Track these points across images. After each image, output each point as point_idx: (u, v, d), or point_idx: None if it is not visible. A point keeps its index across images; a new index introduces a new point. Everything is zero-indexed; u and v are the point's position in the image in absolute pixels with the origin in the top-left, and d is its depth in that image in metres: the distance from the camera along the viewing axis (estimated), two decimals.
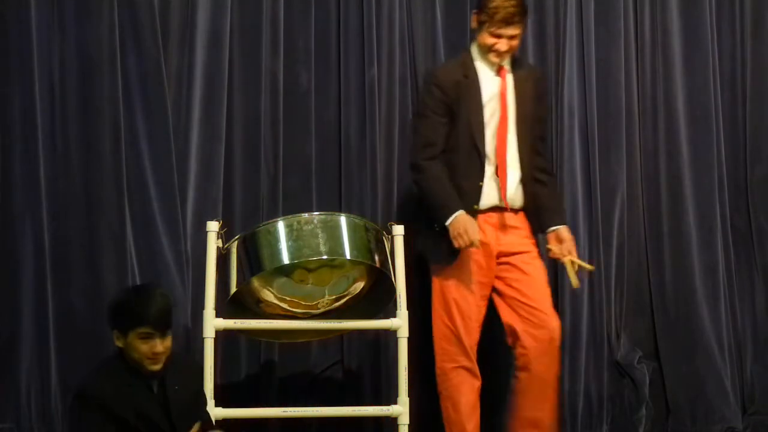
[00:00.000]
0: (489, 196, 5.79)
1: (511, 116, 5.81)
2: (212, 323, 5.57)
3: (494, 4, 5.65)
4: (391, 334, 6.06)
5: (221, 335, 5.72)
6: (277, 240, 5.59)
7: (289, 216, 5.72)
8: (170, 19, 6.46)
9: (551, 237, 5.94)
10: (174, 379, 4.65)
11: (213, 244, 5.70)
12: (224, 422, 5.46)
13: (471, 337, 5.89)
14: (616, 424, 6.78)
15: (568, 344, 6.64)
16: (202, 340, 5.54)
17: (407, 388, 5.74)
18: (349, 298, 5.78)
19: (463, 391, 5.90)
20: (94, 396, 4.52)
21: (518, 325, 5.86)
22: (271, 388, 6.35)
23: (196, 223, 6.30)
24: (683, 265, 6.90)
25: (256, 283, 5.63)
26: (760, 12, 7.18)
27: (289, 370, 6.45)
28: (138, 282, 6.22)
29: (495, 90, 5.80)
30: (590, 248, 6.77)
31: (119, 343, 4.60)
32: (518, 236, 5.89)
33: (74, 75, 6.28)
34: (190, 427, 4.69)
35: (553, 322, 5.83)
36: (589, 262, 6.26)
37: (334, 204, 6.48)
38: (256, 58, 6.52)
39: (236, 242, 5.69)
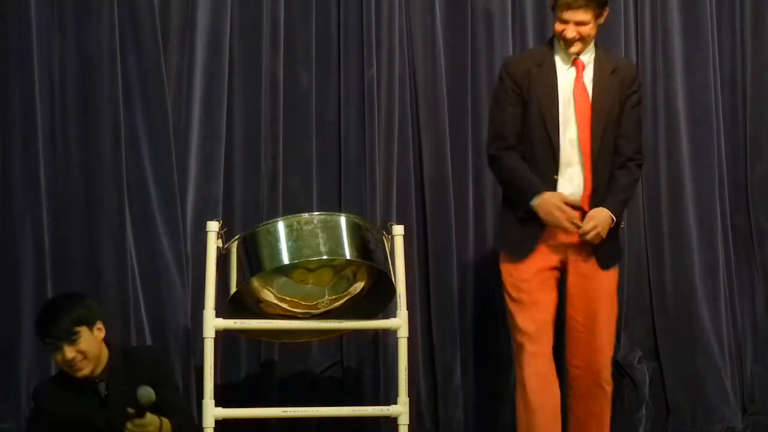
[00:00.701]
0: (564, 191, 5.43)
1: (584, 110, 5.43)
2: (212, 323, 5.57)
3: None
4: (391, 334, 6.07)
5: (221, 335, 5.72)
6: (277, 240, 5.59)
7: (289, 216, 5.71)
8: (170, 19, 6.46)
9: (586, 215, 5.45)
10: (122, 379, 4.60)
11: (213, 244, 5.70)
12: (224, 422, 5.47)
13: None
14: (616, 424, 6.78)
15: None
16: (202, 340, 5.54)
17: (407, 388, 5.74)
18: (349, 298, 5.78)
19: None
20: (36, 400, 4.56)
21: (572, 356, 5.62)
22: (271, 388, 6.35)
23: (196, 223, 6.30)
24: (683, 265, 6.90)
25: (256, 283, 5.63)
26: (760, 11, 7.18)
27: (289, 370, 6.45)
28: (138, 281, 6.22)
29: (569, 81, 5.46)
30: None
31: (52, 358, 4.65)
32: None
33: (74, 75, 6.28)
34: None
35: (603, 358, 5.56)
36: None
37: (334, 204, 6.48)
38: (256, 58, 6.52)
39: (236, 242, 5.69)
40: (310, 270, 5.61)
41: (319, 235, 5.60)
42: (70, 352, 4.51)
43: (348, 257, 5.61)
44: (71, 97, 6.28)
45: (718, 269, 6.92)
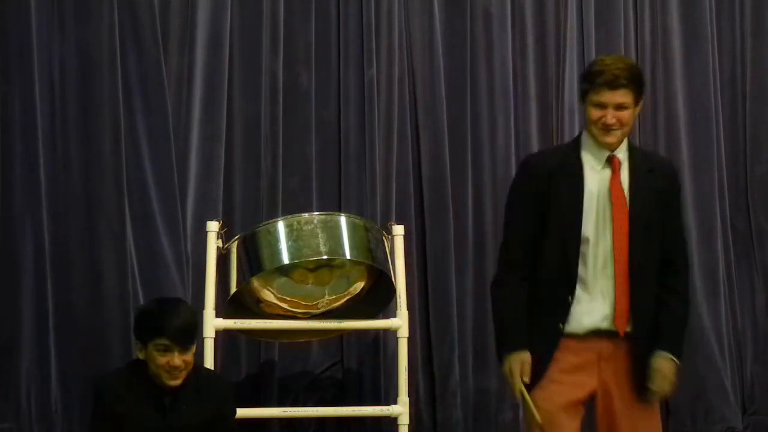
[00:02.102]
0: (587, 315, 4.41)
1: (622, 216, 4.42)
2: (212, 323, 5.57)
3: (597, 67, 4.42)
4: (391, 334, 6.07)
5: (221, 335, 5.72)
6: (277, 240, 5.59)
7: (289, 216, 5.72)
8: (170, 19, 6.46)
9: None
10: (191, 399, 4.55)
11: (213, 244, 5.70)
12: None
13: None
14: None
15: None
16: (202, 340, 5.54)
17: (407, 388, 5.74)
18: (349, 298, 5.78)
19: None
20: (103, 392, 4.49)
21: None
22: (271, 388, 6.35)
23: (196, 223, 6.30)
24: None
25: (256, 283, 5.63)
26: (760, 11, 7.19)
27: (289, 370, 6.45)
28: (138, 281, 6.22)
29: (603, 185, 4.43)
30: None
31: (140, 354, 4.50)
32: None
33: (74, 75, 6.28)
34: None
35: None
36: None
37: (333, 204, 6.48)
38: (256, 58, 6.52)
39: (236, 242, 5.69)
40: (310, 270, 5.61)
41: (319, 235, 5.60)
42: (179, 359, 4.42)
43: (348, 257, 5.61)
44: (71, 97, 6.28)
45: (718, 269, 6.92)
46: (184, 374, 4.45)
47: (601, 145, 4.39)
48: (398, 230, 5.87)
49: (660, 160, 4.75)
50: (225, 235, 5.74)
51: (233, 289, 5.65)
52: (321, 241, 5.59)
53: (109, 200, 6.24)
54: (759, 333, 7.06)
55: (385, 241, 5.78)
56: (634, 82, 4.39)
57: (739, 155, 7.12)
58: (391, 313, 5.83)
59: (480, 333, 6.62)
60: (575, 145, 4.50)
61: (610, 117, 4.38)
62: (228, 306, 5.70)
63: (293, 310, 5.72)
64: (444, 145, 6.67)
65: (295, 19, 6.62)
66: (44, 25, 6.26)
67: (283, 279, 5.62)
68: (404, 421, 5.69)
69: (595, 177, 4.44)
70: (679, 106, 7.00)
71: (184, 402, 4.49)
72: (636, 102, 4.41)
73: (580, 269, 4.38)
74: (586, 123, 4.43)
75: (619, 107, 4.38)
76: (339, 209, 6.36)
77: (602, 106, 4.38)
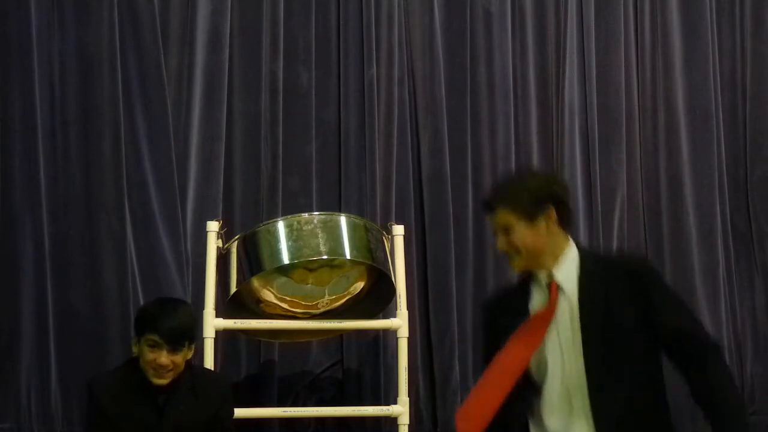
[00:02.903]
0: None
1: (565, 345, 3.73)
2: (212, 323, 5.57)
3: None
4: (391, 334, 6.07)
5: (221, 335, 5.72)
6: (277, 240, 5.59)
7: (289, 216, 5.72)
8: (170, 19, 6.46)
9: None
10: (185, 399, 4.54)
11: (213, 244, 5.70)
12: None
13: None
14: None
15: None
16: (202, 340, 5.54)
17: (407, 388, 5.74)
18: (349, 298, 5.78)
19: None
20: (97, 394, 4.50)
21: None
22: (270, 388, 6.35)
23: (196, 223, 6.30)
24: (683, 265, 6.90)
25: (256, 283, 5.63)
26: (760, 11, 7.19)
27: (289, 370, 6.45)
28: (138, 281, 6.22)
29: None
30: (590, 248, 6.76)
31: (135, 349, 4.49)
32: None
33: (74, 75, 6.29)
34: None
35: None
36: None
37: (333, 204, 6.48)
38: (256, 58, 6.52)
39: (236, 242, 5.69)
40: (310, 270, 5.61)
41: (319, 235, 5.60)
42: (166, 359, 4.42)
43: (348, 257, 5.61)
44: (71, 97, 6.28)
45: (718, 269, 6.92)
46: (171, 375, 4.43)
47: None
48: (398, 230, 5.87)
49: (619, 259, 4.09)
50: (225, 235, 5.74)
51: (233, 289, 5.65)
52: (321, 241, 5.59)
53: (109, 200, 6.24)
54: (759, 333, 7.06)
55: (385, 241, 5.78)
56: (503, 201, 3.72)
57: (739, 155, 7.12)
58: (391, 313, 5.83)
59: (480, 333, 6.62)
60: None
61: (501, 243, 3.74)
62: (228, 306, 5.70)
63: (293, 310, 5.72)
64: (444, 145, 6.67)
65: (295, 19, 6.62)
66: (44, 25, 6.26)
67: (283, 279, 5.61)
68: (404, 421, 5.69)
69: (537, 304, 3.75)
70: (679, 106, 7.00)
71: (179, 402, 4.49)
72: (525, 219, 3.68)
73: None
74: None
75: (506, 230, 3.71)
76: (339, 209, 6.36)
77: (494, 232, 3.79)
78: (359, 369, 6.50)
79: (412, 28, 6.74)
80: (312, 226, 5.62)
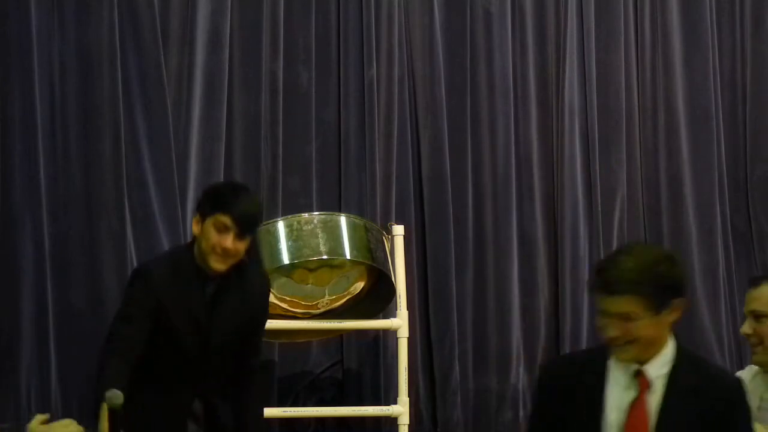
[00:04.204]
0: None
1: None
2: None
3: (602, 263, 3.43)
4: (391, 334, 6.07)
5: None
6: (277, 240, 5.59)
7: (289, 216, 5.72)
8: (170, 19, 6.46)
9: None
10: (234, 293, 4.27)
11: None
12: None
13: None
14: None
15: (568, 344, 6.64)
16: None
17: (407, 388, 5.74)
18: (349, 298, 5.78)
19: None
20: (146, 274, 4.26)
21: None
22: (271, 388, 6.35)
23: None
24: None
25: None
26: (760, 11, 7.19)
27: (289, 370, 6.44)
28: None
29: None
30: (590, 248, 6.77)
31: (196, 230, 4.23)
32: None
33: (74, 75, 6.28)
34: (228, 347, 4.28)
35: None
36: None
37: (333, 204, 6.48)
38: (256, 58, 6.52)
39: None
40: (310, 270, 5.61)
41: (319, 235, 5.60)
42: (233, 243, 4.16)
43: (348, 257, 5.61)
44: (71, 97, 6.27)
45: (718, 269, 6.92)
46: (231, 261, 4.18)
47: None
48: (398, 230, 5.87)
49: (713, 375, 3.44)
50: None
51: None
52: (321, 241, 5.59)
53: (109, 200, 6.24)
54: None
55: (385, 241, 5.78)
56: (635, 284, 3.25)
57: (739, 155, 7.12)
58: (391, 313, 5.83)
59: (480, 333, 6.62)
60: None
61: (613, 328, 3.30)
62: None
63: (293, 310, 5.72)
64: (444, 145, 6.67)
65: (295, 19, 6.62)
66: (44, 25, 6.26)
67: (283, 279, 5.62)
68: (404, 421, 5.69)
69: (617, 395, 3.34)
70: (679, 106, 7.00)
71: (228, 294, 4.26)
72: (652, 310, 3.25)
73: None
74: None
75: (624, 316, 3.26)
76: (339, 209, 6.36)
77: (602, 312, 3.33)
78: (359, 369, 6.50)
79: (412, 28, 6.74)
80: (312, 226, 5.62)
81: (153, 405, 4.20)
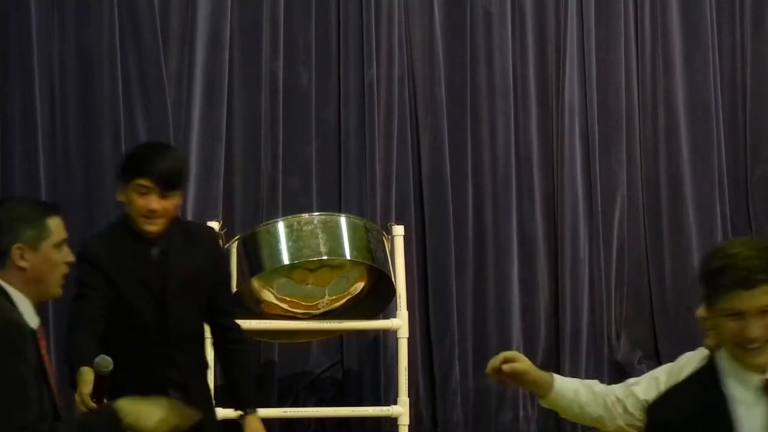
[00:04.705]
0: None
1: None
2: None
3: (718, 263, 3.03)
4: (391, 334, 6.07)
5: None
6: (277, 240, 5.59)
7: (289, 216, 5.72)
8: (170, 19, 6.46)
9: None
10: (181, 248, 4.25)
11: None
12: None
13: None
14: None
15: (568, 344, 6.64)
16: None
17: (407, 388, 5.74)
18: (349, 299, 5.78)
19: None
20: (88, 253, 4.19)
21: None
22: (271, 389, 6.35)
23: None
24: (683, 265, 6.90)
25: (256, 283, 5.63)
26: (760, 11, 7.19)
27: (289, 370, 6.45)
28: None
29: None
30: (590, 248, 6.77)
31: (121, 197, 4.22)
32: None
33: (74, 75, 6.28)
34: (187, 307, 4.24)
35: None
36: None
37: (333, 204, 6.48)
38: (256, 58, 6.52)
39: (236, 242, 5.69)
40: (310, 270, 5.61)
41: (319, 236, 5.60)
42: (158, 203, 4.17)
43: (348, 257, 5.61)
44: (71, 97, 6.28)
45: None
46: (162, 222, 4.17)
47: (747, 367, 2.98)
48: (398, 230, 5.87)
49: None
50: (225, 236, 5.74)
51: (233, 289, 5.64)
52: (321, 241, 5.59)
53: (109, 200, 6.23)
54: None
55: (385, 241, 5.78)
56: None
57: (739, 155, 7.12)
58: (391, 314, 5.83)
59: (480, 333, 6.62)
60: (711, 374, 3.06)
61: (758, 329, 2.95)
62: None
63: (293, 310, 5.72)
64: (444, 145, 6.67)
65: (295, 19, 6.62)
66: (44, 25, 6.26)
67: (283, 279, 5.62)
68: (404, 421, 5.69)
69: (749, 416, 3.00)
70: (679, 105, 7.00)
71: (175, 250, 4.23)
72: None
73: None
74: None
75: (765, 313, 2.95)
76: (339, 209, 6.36)
77: (739, 315, 2.98)
78: (359, 369, 6.50)
79: (412, 28, 6.74)
80: (312, 226, 5.62)
81: (128, 388, 4.14)
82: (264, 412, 5.94)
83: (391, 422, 5.81)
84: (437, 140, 6.68)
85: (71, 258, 3.49)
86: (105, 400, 3.65)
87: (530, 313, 6.72)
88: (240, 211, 6.48)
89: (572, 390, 3.33)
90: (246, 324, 5.65)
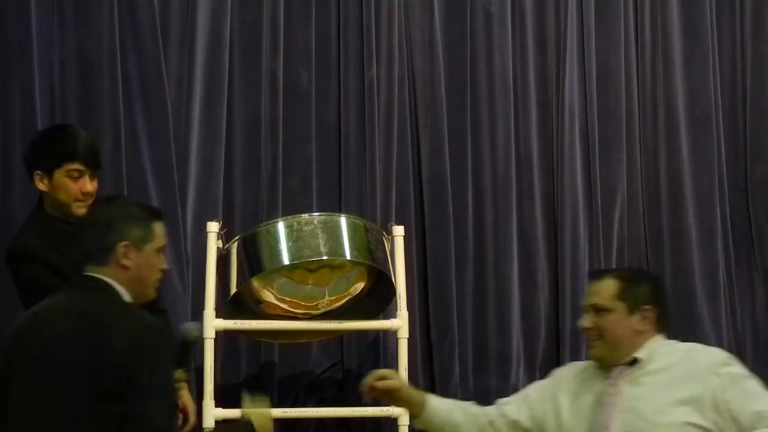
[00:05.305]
0: None
1: None
2: (212, 324, 5.57)
3: None
4: (391, 335, 6.07)
5: (221, 336, 5.72)
6: (277, 241, 5.59)
7: (289, 216, 5.72)
8: (170, 19, 6.46)
9: None
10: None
11: (213, 244, 5.70)
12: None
13: None
14: None
15: (569, 344, 6.64)
16: (203, 341, 5.54)
17: None
18: (350, 299, 5.78)
19: None
20: (24, 249, 4.24)
21: None
22: (270, 389, 6.35)
23: (196, 224, 6.29)
24: (683, 265, 6.90)
25: (256, 283, 5.63)
26: (760, 11, 7.19)
27: (289, 371, 6.44)
28: None
29: None
30: (590, 248, 6.77)
31: (42, 186, 4.22)
32: None
33: (74, 75, 6.28)
34: None
35: None
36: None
37: (333, 204, 6.48)
38: (256, 58, 6.52)
39: (236, 243, 5.69)
40: (310, 270, 5.61)
41: (319, 236, 5.60)
42: (91, 185, 4.18)
43: (348, 258, 5.61)
44: (71, 97, 6.27)
45: (718, 270, 6.92)
46: (91, 203, 4.20)
47: None
48: (398, 231, 5.87)
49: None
50: (225, 236, 5.74)
51: (233, 289, 5.65)
52: (321, 241, 5.59)
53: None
54: (759, 333, 7.06)
55: (385, 241, 5.78)
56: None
57: (739, 155, 7.12)
58: (391, 314, 5.83)
59: (480, 333, 6.62)
60: None
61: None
62: (228, 306, 5.70)
63: (293, 310, 5.72)
64: (444, 145, 6.67)
65: (295, 19, 6.61)
66: (44, 25, 6.26)
67: (284, 279, 5.62)
68: (404, 421, 5.69)
69: None
70: (679, 105, 7.00)
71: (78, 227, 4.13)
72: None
73: None
74: None
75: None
76: (339, 210, 6.36)
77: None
78: (359, 369, 6.49)
79: (412, 28, 6.74)
80: (312, 226, 5.62)
81: None
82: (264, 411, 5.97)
83: (391, 422, 5.81)
84: (437, 140, 6.68)
85: (166, 265, 3.55)
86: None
87: (530, 313, 6.72)
88: (240, 211, 6.48)
89: (446, 410, 3.63)
90: (246, 324, 5.68)
